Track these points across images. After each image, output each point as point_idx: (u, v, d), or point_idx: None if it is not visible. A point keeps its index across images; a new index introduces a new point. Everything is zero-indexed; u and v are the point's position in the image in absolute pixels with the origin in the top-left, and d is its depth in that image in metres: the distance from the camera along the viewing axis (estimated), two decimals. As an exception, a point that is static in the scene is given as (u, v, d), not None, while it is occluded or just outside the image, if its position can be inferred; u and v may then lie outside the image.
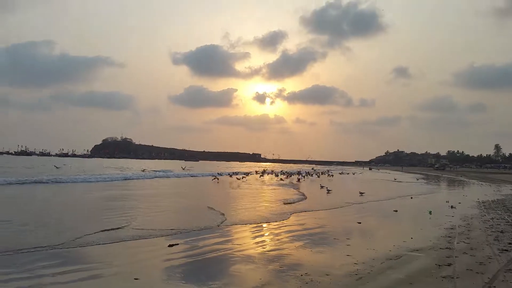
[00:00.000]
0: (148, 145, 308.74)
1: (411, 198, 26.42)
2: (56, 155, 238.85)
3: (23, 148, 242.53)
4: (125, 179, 41.16)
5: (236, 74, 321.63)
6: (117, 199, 21.92)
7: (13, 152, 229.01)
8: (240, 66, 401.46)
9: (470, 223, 14.99)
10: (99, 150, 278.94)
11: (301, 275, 7.98)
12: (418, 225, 14.47)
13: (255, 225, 13.73)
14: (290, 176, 55.07)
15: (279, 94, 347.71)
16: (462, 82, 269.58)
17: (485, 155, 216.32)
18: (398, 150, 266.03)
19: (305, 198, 24.46)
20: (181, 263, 8.76)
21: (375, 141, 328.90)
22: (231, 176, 49.67)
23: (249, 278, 7.83)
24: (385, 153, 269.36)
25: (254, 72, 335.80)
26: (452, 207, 20.34)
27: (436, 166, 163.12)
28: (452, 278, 7.93)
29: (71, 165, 74.23)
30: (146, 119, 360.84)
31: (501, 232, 13.11)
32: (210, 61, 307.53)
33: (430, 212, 17.62)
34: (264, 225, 13.93)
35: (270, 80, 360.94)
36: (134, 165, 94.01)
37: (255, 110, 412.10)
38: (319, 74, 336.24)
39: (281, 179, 47.06)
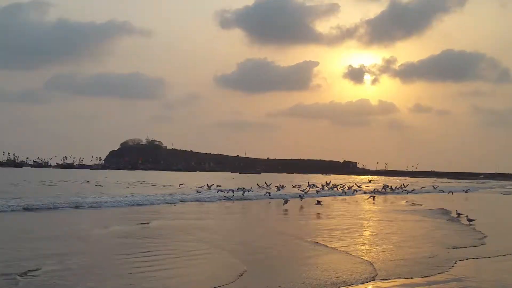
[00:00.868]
0: (185, 151, 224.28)
1: None
2: (58, 165, 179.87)
3: (11, 157, 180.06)
4: (198, 201, 32.87)
5: (317, 39, 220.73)
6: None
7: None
8: (323, 26, 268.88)
9: None
10: (116, 159, 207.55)
11: None
12: None
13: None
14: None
15: (387, 67, 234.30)
16: None
17: None
18: None
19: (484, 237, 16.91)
20: None
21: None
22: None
23: None
24: None
25: (346, 35, 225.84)
26: None
27: None
28: None
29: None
30: (182, 112, 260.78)
31: None
32: (277, 21, 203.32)
33: None
34: None
35: (371, 46, 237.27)
36: (170, 180, 70.80)
37: (348, 93, 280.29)
38: (451, 34, 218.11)
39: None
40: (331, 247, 14.19)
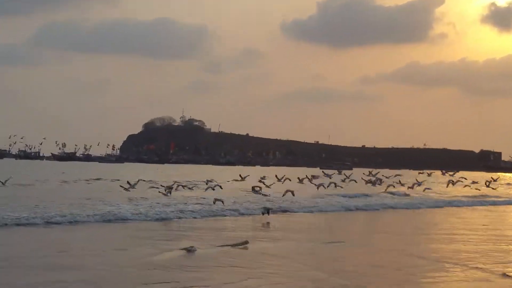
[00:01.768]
0: (238, 135, 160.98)
1: None
2: (53, 156, 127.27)
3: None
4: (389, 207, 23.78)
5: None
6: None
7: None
8: None
9: None
10: (136, 147, 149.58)
11: None
12: None
13: None
14: None
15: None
16: None
17: None
18: None
19: None
20: None
21: None
22: None
23: None
24: None
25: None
26: None
27: None
28: None
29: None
30: (234, 78, 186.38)
31: None
32: None
33: None
34: None
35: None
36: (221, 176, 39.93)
37: (489, 47, 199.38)
38: None
39: None
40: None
